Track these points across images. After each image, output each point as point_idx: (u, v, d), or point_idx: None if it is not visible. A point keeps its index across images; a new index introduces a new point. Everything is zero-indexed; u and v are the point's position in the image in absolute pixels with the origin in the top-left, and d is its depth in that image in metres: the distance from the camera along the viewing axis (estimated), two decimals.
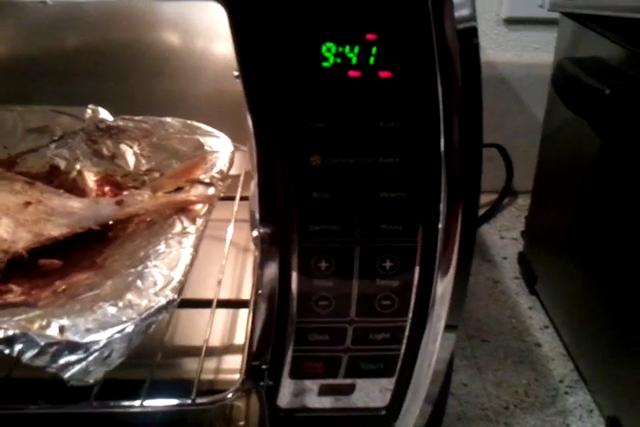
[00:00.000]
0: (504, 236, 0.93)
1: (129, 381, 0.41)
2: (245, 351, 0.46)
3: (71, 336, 0.36)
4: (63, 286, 0.45)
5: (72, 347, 0.36)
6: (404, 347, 0.47)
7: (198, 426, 0.49)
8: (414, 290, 0.45)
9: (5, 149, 0.65)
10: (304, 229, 0.43)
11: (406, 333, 0.47)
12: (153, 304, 0.39)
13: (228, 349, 0.57)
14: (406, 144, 0.41)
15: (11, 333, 0.36)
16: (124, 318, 0.38)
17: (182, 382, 0.47)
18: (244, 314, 0.58)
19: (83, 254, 0.51)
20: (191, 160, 0.58)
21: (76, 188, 0.62)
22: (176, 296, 0.40)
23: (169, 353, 0.53)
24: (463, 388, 0.63)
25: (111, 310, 0.38)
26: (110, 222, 0.53)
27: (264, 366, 0.49)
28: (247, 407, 0.48)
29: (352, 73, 0.39)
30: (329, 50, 0.38)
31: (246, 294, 0.61)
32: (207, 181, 0.54)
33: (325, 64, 0.38)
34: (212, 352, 0.56)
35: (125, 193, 0.56)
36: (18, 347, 0.35)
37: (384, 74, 0.39)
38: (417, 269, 0.44)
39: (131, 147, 0.65)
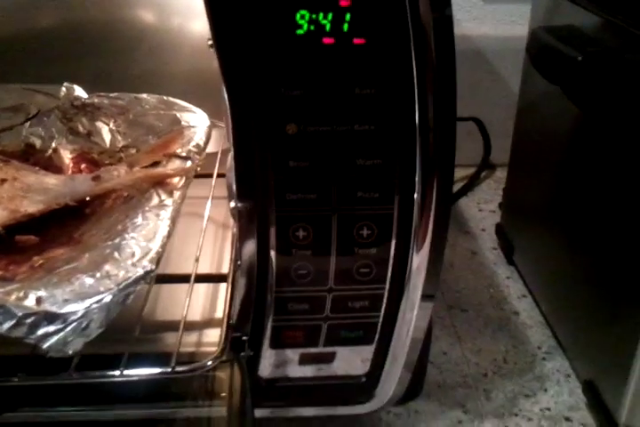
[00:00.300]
0: (482, 208, 0.94)
1: (108, 355, 0.41)
2: (224, 322, 0.46)
3: (49, 307, 0.36)
4: (40, 261, 0.45)
5: (50, 317, 0.36)
6: (382, 315, 0.48)
7: (181, 398, 0.50)
8: (391, 258, 0.46)
9: None
10: (281, 199, 0.43)
11: (384, 300, 0.47)
12: (131, 275, 0.39)
13: (209, 322, 0.57)
14: (381, 112, 0.41)
15: None
16: (102, 289, 0.38)
17: (162, 355, 0.47)
18: (223, 289, 0.59)
19: (60, 230, 0.51)
20: (167, 135, 0.58)
21: (52, 165, 0.61)
22: (154, 267, 0.40)
23: (148, 328, 0.53)
24: (443, 356, 0.64)
25: (89, 280, 0.38)
26: (87, 198, 0.53)
27: (244, 338, 0.49)
28: (230, 379, 0.48)
29: (326, 40, 0.39)
30: (302, 17, 0.38)
31: (225, 268, 0.61)
32: (184, 154, 0.54)
33: (300, 31, 0.38)
34: (192, 326, 0.56)
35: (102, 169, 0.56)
36: None
37: (358, 40, 0.39)
38: (394, 237, 0.45)
39: (107, 124, 0.64)
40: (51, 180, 0.54)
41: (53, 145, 0.64)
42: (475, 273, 0.78)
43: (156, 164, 0.54)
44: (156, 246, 0.42)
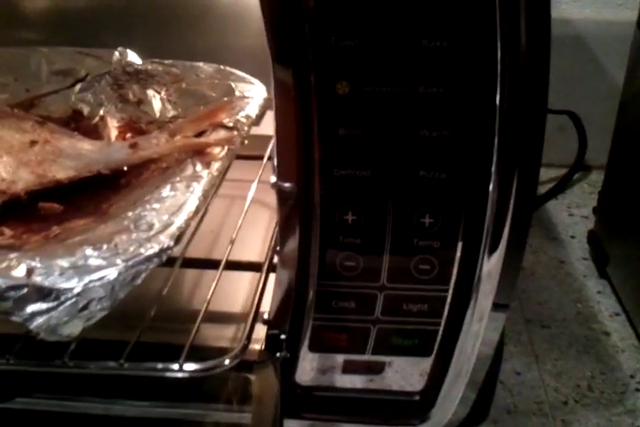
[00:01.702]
0: (573, 213, 0.84)
1: (112, 342, 0.35)
2: (250, 317, 0.39)
3: (40, 280, 0.30)
4: (57, 231, 0.40)
5: (40, 292, 0.30)
6: (443, 322, 0.40)
7: (199, 399, 0.44)
8: (458, 257, 0.38)
9: (28, 93, 0.60)
10: (328, 176, 0.36)
11: (447, 306, 0.39)
12: (142, 251, 0.33)
13: (237, 315, 0.50)
14: (453, 69, 0.33)
15: None
16: (105, 264, 0.32)
17: (175, 348, 0.41)
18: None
19: (88, 200, 0.46)
20: (216, 104, 0.52)
21: (96, 134, 0.57)
22: (172, 243, 0.34)
23: (165, 316, 0.47)
24: (516, 377, 0.55)
25: (92, 253, 0.32)
26: (125, 169, 0.48)
27: (282, 336, 0.42)
28: (261, 382, 0.41)
29: None
30: None
31: (262, 257, 0.55)
32: (230, 124, 0.48)
33: None
34: (217, 318, 0.50)
35: (142, 136, 0.51)
36: None
37: None
38: (461, 232, 0.37)
39: (158, 92, 0.59)
40: (85, 145, 0.49)
41: (101, 113, 0.59)
42: (561, 285, 0.68)
43: (200, 134, 0.48)
44: (179, 221, 0.36)
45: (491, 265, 0.38)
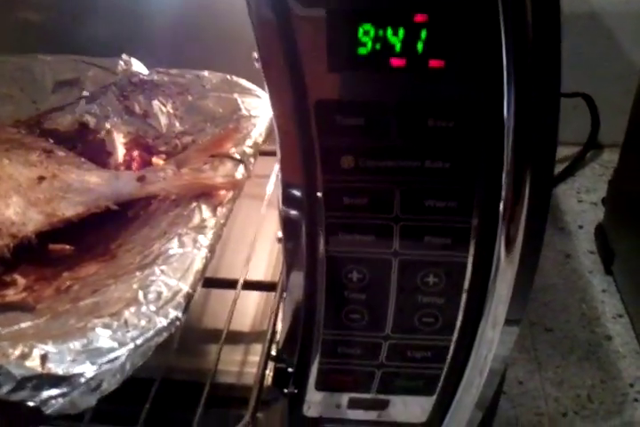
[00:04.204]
0: (583, 199, 0.84)
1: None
2: (259, 375, 0.41)
3: (54, 368, 0.31)
4: (68, 282, 0.41)
5: (54, 380, 0.31)
6: (447, 366, 0.41)
7: None
8: (461, 310, 0.39)
9: (34, 104, 0.60)
10: (332, 237, 0.37)
11: (450, 352, 0.41)
12: (151, 326, 0.34)
13: (257, 337, 0.52)
14: (459, 147, 0.33)
15: None
16: (117, 345, 0.33)
17: (197, 385, 0.43)
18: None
19: (98, 238, 0.47)
20: (223, 130, 0.52)
21: (102, 151, 0.57)
22: (180, 314, 0.35)
23: (188, 338, 0.49)
24: (519, 387, 0.57)
25: (104, 333, 0.33)
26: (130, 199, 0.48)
27: (290, 370, 0.44)
28: (268, 419, 0.44)
29: (395, 61, 0.31)
30: (367, 33, 0.30)
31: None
32: (237, 157, 0.48)
33: (362, 51, 0.30)
34: (237, 340, 0.52)
35: (149, 168, 0.51)
36: None
37: (435, 63, 0.31)
38: (465, 288, 0.38)
39: (164, 105, 0.59)
40: (93, 178, 0.49)
41: (108, 126, 0.59)
42: (566, 282, 0.69)
43: (206, 164, 0.48)
44: (185, 287, 0.37)
45: (496, 315, 0.38)
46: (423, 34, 0.29)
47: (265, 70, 0.32)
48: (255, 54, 0.32)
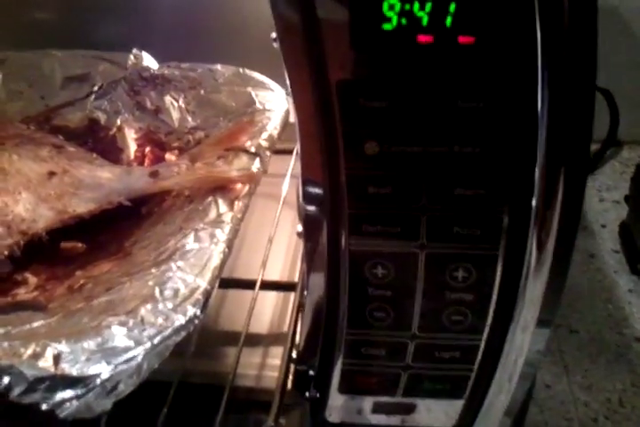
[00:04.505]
0: (604, 197, 0.81)
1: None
2: (279, 386, 0.39)
3: (67, 368, 0.30)
4: (81, 281, 0.40)
5: (68, 381, 0.30)
6: (476, 367, 0.39)
7: None
8: (492, 306, 0.37)
9: (43, 100, 0.59)
10: (356, 231, 0.35)
11: (480, 352, 0.39)
12: (169, 324, 0.32)
13: (275, 339, 0.50)
14: (488, 134, 0.31)
15: None
16: (133, 344, 0.31)
17: (216, 388, 0.41)
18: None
19: (111, 235, 0.45)
20: (237, 123, 0.50)
21: (114, 148, 0.55)
22: (199, 312, 0.33)
23: (206, 340, 0.48)
24: (546, 390, 0.55)
25: (118, 330, 0.32)
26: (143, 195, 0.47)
27: (311, 372, 0.42)
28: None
29: (422, 37, 0.29)
30: (392, 8, 0.28)
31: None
32: (253, 150, 0.46)
33: (387, 26, 0.29)
34: (256, 342, 0.50)
35: (162, 163, 0.49)
36: (4, 381, 0.29)
37: (464, 39, 0.29)
38: (496, 283, 0.36)
39: (176, 100, 0.57)
40: (104, 173, 0.48)
41: (118, 122, 0.58)
42: (591, 282, 0.67)
43: (220, 158, 0.47)
44: (203, 283, 0.35)
45: (528, 315, 0.37)
46: (452, 7, 0.27)
47: (284, 50, 0.30)
48: (273, 34, 0.30)
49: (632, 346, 0.59)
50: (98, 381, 0.30)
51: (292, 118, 0.33)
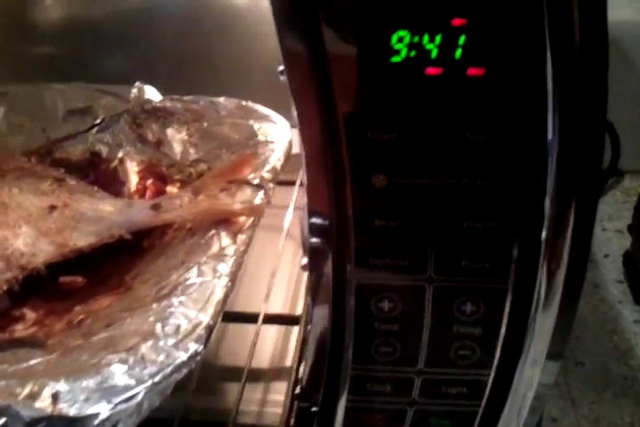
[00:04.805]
0: (606, 227, 0.81)
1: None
2: (284, 414, 0.38)
3: (65, 408, 0.29)
4: (81, 316, 0.39)
5: (66, 422, 0.29)
6: (484, 403, 0.38)
7: None
8: (500, 341, 0.36)
9: (44, 133, 0.59)
10: (363, 264, 0.34)
11: (488, 388, 0.38)
12: (170, 361, 0.32)
13: (277, 374, 0.49)
14: (498, 167, 0.31)
15: None
16: (134, 383, 0.30)
17: (215, 426, 0.40)
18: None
19: (112, 269, 0.45)
20: (240, 156, 0.50)
21: (115, 181, 0.55)
22: (201, 348, 0.33)
23: (208, 375, 0.47)
24: (553, 425, 0.53)
25: (119, 369, 0.31)
26: (145, 229, 0.46)
27: (314, 409, 0.41)
28: None
29: (431, 70, 0.29)
30: (401, 40, 0.28)
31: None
32: (256, 182, 0.46)
33: (396, 59, 0.29)
34: (259, 378, 0.49)
35: (164, 195, 0.49)
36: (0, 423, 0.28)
37: (474, 71, 0.29)
38: (505, 317, 0.35)
39: (178, 132, 0.57)
40: (105, 206, 0.47)
41: (120, 155, 0.57)
42: (595, 313, 0.66)
43: (223, 190, 0.46)
44: (206, 318, 0.34)
45: (537, 348, 0.36)
46: (462, 39, 0.27)
47: (291, 83, 0.30)
48: (280, 67, 0.30)
49: (638, 378, 0.58)
50: (96, 421, 0.29)
51: (296, 150, 0.33)
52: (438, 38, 0.28)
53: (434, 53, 0.28)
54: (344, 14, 0.28)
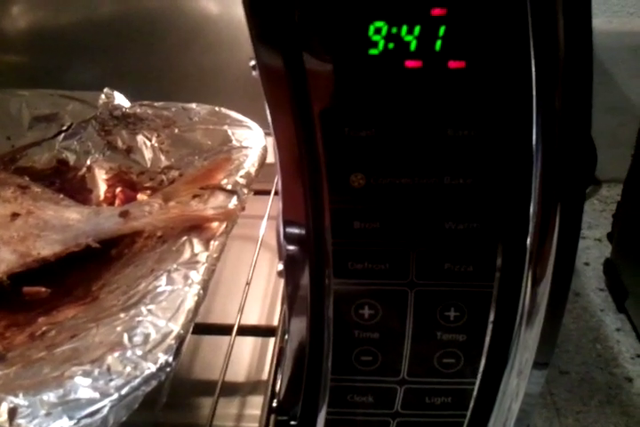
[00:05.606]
0: (585, 235, 0.80)
1: None
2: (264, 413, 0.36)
3: (24, 424, 0.27)
4: (44, 328, 0.37)
5: None
6: (469, 414, 0.37)
7: None
8: (486, 347, 0.34)
9: (9, 141, 0.56)
10: (341, 268, 0.33)
11: (473, 398, 0.36)
12: (138, 373, 0.30)
13: (253, 388, 0.47)
14: (482, 164, 0.29)
15: None
16: (99, 396, 0.28)
17: None
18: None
19: (78, 279, 0.42)
20: (213, 161, 0.48)
21: (83, 189, 0.53)
22: (171, 359, 0.31)
23: (180, 390, 0.45)
24: None
25: (83, 382, 0.29)
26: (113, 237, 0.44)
27: (293, 423, 0.39)
28: None
29: (410, 63, 0.28)
30: (378, 31, 0.27)
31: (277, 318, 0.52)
32: (229, 187, 0.44)
33: (374, 51, 0.27)
34: (233, 391, 0.47)
35: (133, 202, 0.47)
36: None
37: (455, 64, 0.28)
38: (490, 322, 0.34)
39: (149, 139, 0.55)
40: (72, 214, 0.45)
41: (88, 162, 0.55)
42: (577, 322, 0.65)
43: (195, 197, 0.45)
44: (177, 327, 0.33)
45: (523, 356, 0.35)
46: (441, 30, 0.26)
47: (263, 78, 0.28)
48: (252, 62, 0.29)
49: (623, 386, 0.57)
50: None
51: (271, 158, 0.32)
52: (417, 29, 0.27)
53: (413, 45, 0.27)
54: (319, 4, 0.27)
